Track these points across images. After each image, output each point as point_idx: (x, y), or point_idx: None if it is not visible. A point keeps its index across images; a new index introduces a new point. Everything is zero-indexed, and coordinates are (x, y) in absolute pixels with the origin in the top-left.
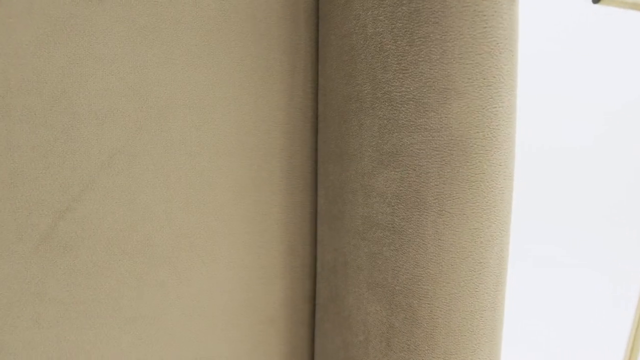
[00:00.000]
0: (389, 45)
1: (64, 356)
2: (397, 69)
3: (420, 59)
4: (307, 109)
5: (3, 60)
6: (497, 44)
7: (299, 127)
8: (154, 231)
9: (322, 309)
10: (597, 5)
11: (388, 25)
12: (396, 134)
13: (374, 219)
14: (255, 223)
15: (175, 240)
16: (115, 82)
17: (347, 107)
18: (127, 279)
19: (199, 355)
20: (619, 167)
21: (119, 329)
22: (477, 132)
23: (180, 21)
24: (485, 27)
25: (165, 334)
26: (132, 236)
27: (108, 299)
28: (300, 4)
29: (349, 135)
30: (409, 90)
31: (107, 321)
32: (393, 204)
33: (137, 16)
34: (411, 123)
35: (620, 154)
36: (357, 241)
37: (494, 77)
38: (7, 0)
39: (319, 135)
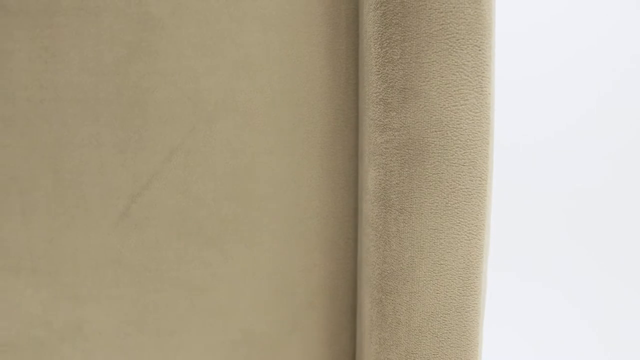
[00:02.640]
0: (372, 49)
1: (137, 312)
2: (374, 71)
3: (386, 61)
4: (348, 110)
5: (94, 79)
6: (457, 40)
7: (340, 127)
8: (204, 217)
9: (358, 301)
10: None
11: (370, 29)
12: (374, 134)
13: (366, 215)
14: (295, 215)
15: (221, 226)
16: (174, 91)
17: (361, 108)
18: (182, 256)
19: (243, 329)
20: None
21: (177, 296)
22: (435, 131)
23: (226, 37)
24: (443, 25)
25: (214, 307)
26: (186, 220)
27: (169, 270)
28: (342, 11)
29: (361, 135)
30: (379, 91)
31: (168, 288)
32: (372, 201)
33: (190, 36)
34: (381, 123)
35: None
36: (361, 237)
37: (454, 74)
38: (96, 31)
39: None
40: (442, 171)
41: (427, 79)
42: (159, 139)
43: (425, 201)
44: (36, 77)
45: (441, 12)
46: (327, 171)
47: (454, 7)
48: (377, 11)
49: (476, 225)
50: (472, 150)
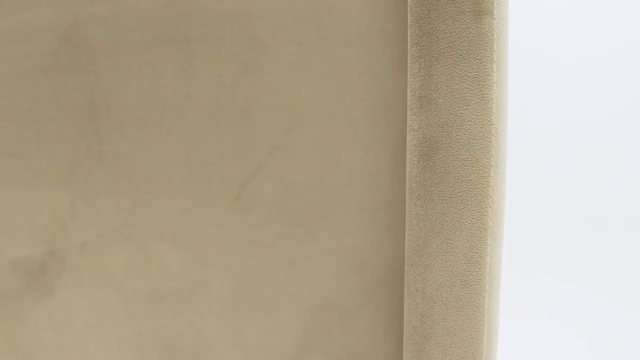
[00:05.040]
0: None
1: (245, 278)
2: (407, 83)
3: (410, 74)
4: None
5: (217, 91)
6: (460, 55)
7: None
8: (297, 201)
9: None
10: None
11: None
12: (407, 135)
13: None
14: (370, 203)
15: (310, 210)
16: (275, 99)
17: None
18: (279, 234)
19: (325, 297)
20: None
21: (275, 267)
22: (442, 131)
23: (315, 54)
24: (448, 43)
25: (303, 277)
26: (282, 205)
27: (269, 245)
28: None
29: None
30: (408, 98)
31: (268, 259)
32: (406, 190)
33: (288, 54)
34: (408, 125)
35: None
36: None
37: (458, 84)
38: (219, 54)
39: None
40: (448, 165)
41: (436, 89)
42: (263, 138)
43: (435, 189)
44: (177, 90)
45: (447, 33)
46: (397, 166)
47: (457, 28)
48: (408, 32)
49: (479, 212)
50: (474, 148)
